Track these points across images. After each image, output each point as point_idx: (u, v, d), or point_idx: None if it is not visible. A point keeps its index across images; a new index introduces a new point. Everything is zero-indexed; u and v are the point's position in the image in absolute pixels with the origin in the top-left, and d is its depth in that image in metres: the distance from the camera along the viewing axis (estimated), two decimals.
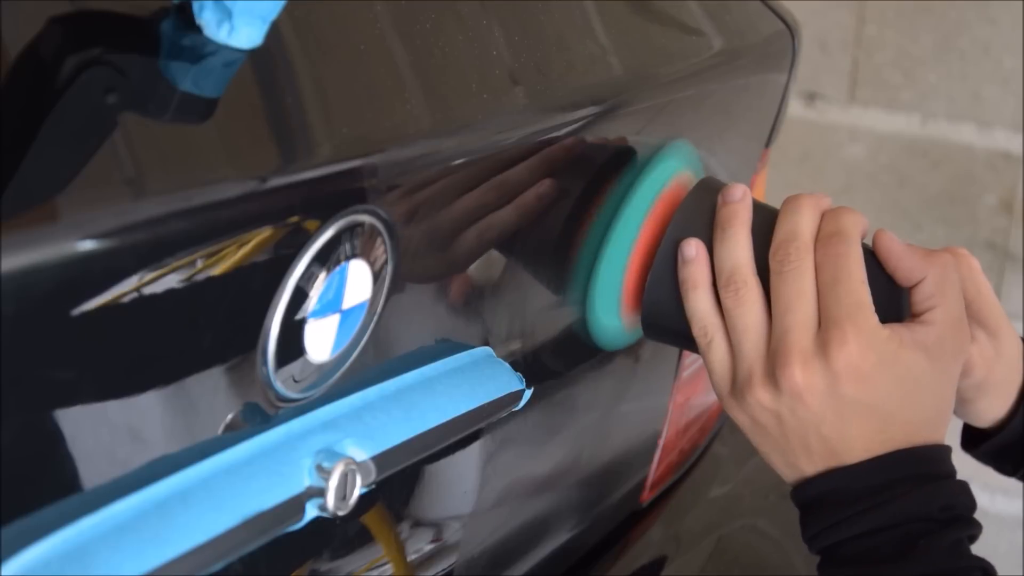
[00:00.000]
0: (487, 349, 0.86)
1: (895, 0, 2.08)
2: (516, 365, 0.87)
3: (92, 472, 0.62)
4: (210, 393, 0.68)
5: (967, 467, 0.89)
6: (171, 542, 0.63)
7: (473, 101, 0.80)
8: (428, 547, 0.92)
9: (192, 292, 0.63)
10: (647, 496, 1.22)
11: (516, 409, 0.87)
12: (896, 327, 0.86)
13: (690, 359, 1.19)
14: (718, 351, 0.88)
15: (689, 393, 1.21)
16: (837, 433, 0.85)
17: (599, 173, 0.92)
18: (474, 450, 0.92)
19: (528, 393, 0.86)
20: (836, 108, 2.14)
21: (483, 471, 0.94)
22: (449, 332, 0.84)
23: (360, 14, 0.76)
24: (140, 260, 0.61)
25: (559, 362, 0.99)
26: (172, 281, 0.62)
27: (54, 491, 0.61)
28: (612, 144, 0.93)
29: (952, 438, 0.91)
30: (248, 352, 0.68)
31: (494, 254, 0.87)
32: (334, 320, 0.72)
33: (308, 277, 0.69)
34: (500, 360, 0.86)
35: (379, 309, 0.75)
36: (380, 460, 0.74)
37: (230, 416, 0.69)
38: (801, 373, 0.84)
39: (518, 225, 0.86)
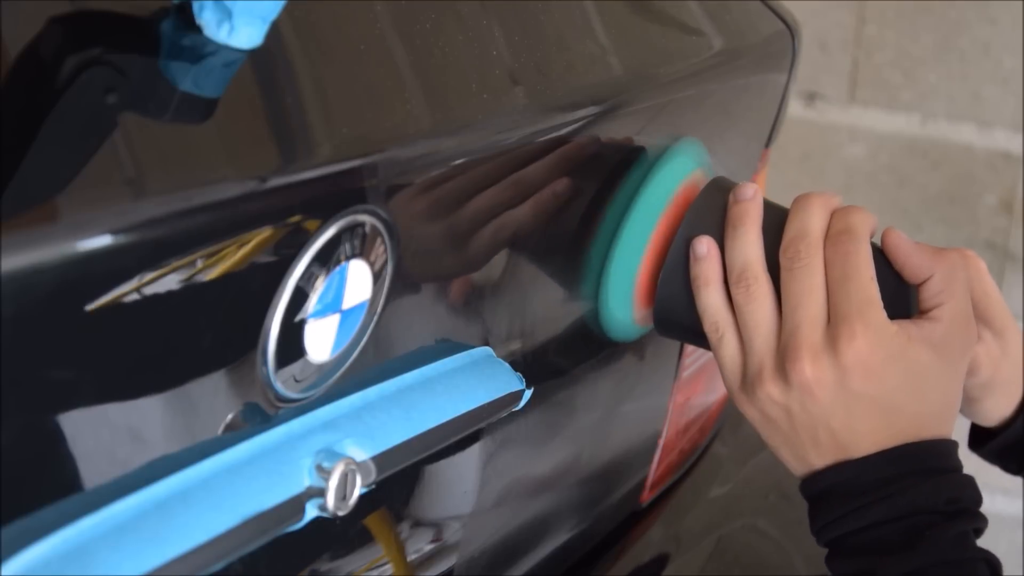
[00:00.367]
0: (487, 349, 0.86)
1: (895, 0, 2.08)
2: (516, 365, 0.87)
3: (92, 472, 0.62)
4: (210, 393, 0.68)
5: (968, 467, 0.90)
6: (171, 542, 0.63)
7: (473, 101, 0.80)
8: (428, 547, 0.92)
9: (192, 292, 0.63)
10: (647, 496, 1.22)
11: (516, 409, 0.87)
12: (904, 323, 0.87)
13: (690, 359, 1.18)
14: (729, 347, 0.90)
15: (689, 393, 1.21)
16: (846, 427, 0.86)
17: (612, 172, 0.93)
18: (474, 450, 0.92)
19: (528, 393, 0.86)
20: (836, 108, 2.14)
21: (483, 471, 0.94)
22: (449, 332, 0.84)
23: (360, 14, 0.76)
24: (140, 260, 0.61)
25: (559, 362, 0.99)
26: (172, 281, 0.62)
27: (54, 491, 0.61)
28: (625, 143, 0.94)
29: (958, 438, 0.92)
30: (248, 352, 0.68)
31: (494, 253, 0.87)
32: (334, 320, 0.72)
33: (308, 277, 0.69)
34: (500, 360, 0.86)
35: (379, 309, 0.75)
36: (380, 460, 0.74)
37: (230, 416, 0.69)
38: (811, 367, 0.86)
39: (534, 223, 0.87)
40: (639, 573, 1.16)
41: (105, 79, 0.62)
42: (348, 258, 0.71)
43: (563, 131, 0.87)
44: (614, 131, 0.93)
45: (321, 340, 0.71)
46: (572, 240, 0.93)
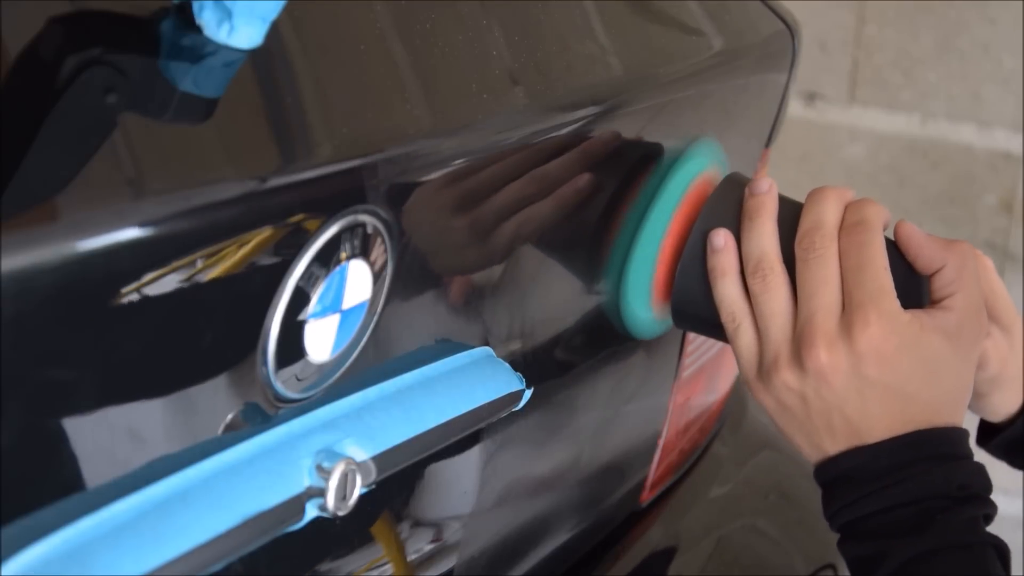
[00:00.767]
0: (487, 349, 0.86)
1: (895, 0, 2.08)
2: (516, 365, 0.87)
3: (92, 472, 0.62)
4: (210, 393, 0.68)
5: None
6: (171, 542, 0.63)
7: (473, 101, 0.80)
8: (428, 547, 0.92)
9: (192, 292, 0.63)
10: (647, 496, 1.22)
11: (516, 409, 0.87)
12: (917, 312, 0.89)
13: (690, 360, 1.19)
14: (745, 336, 0.91)
15: (689, 393, 1.21)
16: (860, 413, 0.88)
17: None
18: (474, 450, 0.92)
19: (528, 393, 0.86)
20: (836, 108, 2.14)
21: (483, 471, 0.94)
22: (449, 332, 0.84)
23: (360, 14, 0.76)
24: (140, 260, 0.61)
25: (559, 362, 0.99)
26: (172, 281, 0.62)
27: (54, 491, 0.61)
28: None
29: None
30: (248, 352, 0.68)
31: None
32: (334, 320, 0.72)
33: (308, 277, 0.69)
34: (500, 360, 0.86)
35: (379, 309, 0.75)
36: (380, 460, 0.74)
37: (230, 416, 0.69)
38: (826, 354, 0.87)
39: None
40: (639, 573, 1.16)
41: (105, 79, 0.62)
42: (348, 258, 0.71)
43: (563, 131, 0.87)
44: (618, 131, 0.93)
45: (321, 340, 0.71)
46: (590, 235, 0.94)
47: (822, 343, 0.87)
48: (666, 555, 1.21)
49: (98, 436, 0.63)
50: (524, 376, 0.86)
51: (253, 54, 0.66)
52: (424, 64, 0.78)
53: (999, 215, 2.10)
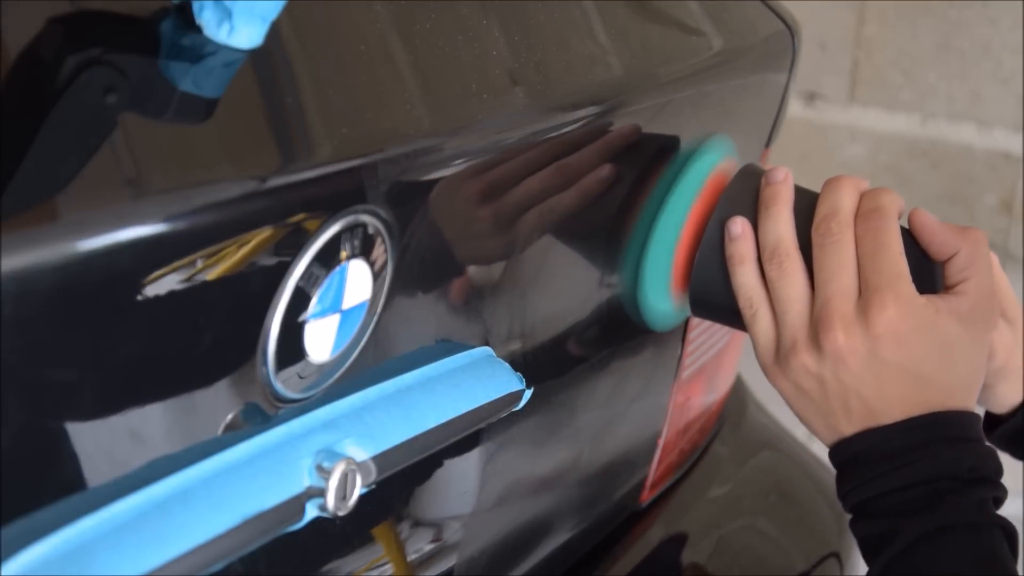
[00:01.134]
0: (487, 349, 0.86)
1: (895, 0, 2.08)
2: (516, 365, 0.87)
3: (92, 472, 0.62)
4: (210, 393, 0.68)
5: None
6: (171, 542, 0.63)
7: (473, 101, 0.80)
8: (428, 547, 0.92)
9: (192, 292, 0.63)
10: (647, 496, 1.22)
11: (516, 409, 0.87)
12: (932, 297, 0.91)
13: (690, 360, 1.19)
14: (763, 322, 0.93)
15: (689, 393, 1.21)
16: (876, 394, 0.90)
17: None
18: (474, 450, 0.92)
19: (528, 393, 0.86)
20: (836, 108, 2.14)
21: (483, 471, 0.94)
22: (449, 332, 0.84)
23: (360, 14, 0.76)
24: (140, 260, 0.61)
25: (559, 362, 0.99)
26: (172, 281, 0.62)
27: (54, 491, 0.61)
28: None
29: None
30: (248, 352, 0.68)
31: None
32: (334, 320, 0.72)
33: (308, 277, 0.69)
34: (500, 360, 0.86)
35: (379, 309, 0.75)
36: (380, 460, 0.74)
37: (230, 416, 0.69)
38: (844, 336, 0.89)
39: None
40: (639, 573, 1.16)
41: (105, 79, 0.62)
42: (348, 258, 0.71)
43: (563, 131, 0.87)
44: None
45: (321, 340, 0.71)
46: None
47: (840, 325, 0.89)
48: (666, 555, 1.21)
49: (98, 436, 0.63)
50: (524, 376, 0.86)
51: (253, 54, 0.66)
52: (424, 64, 0.78)
53: (999, 215, 2.10)
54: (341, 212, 0.70)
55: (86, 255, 0.58)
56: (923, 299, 0.90)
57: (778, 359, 0.93)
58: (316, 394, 0.73)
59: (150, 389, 0.65)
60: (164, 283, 0.62)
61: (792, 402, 0.93)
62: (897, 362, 0.89)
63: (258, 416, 0.70)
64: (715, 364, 1.26)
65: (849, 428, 0.91)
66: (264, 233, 0.66)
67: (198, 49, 0.65)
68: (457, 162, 0.79)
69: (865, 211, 0.92)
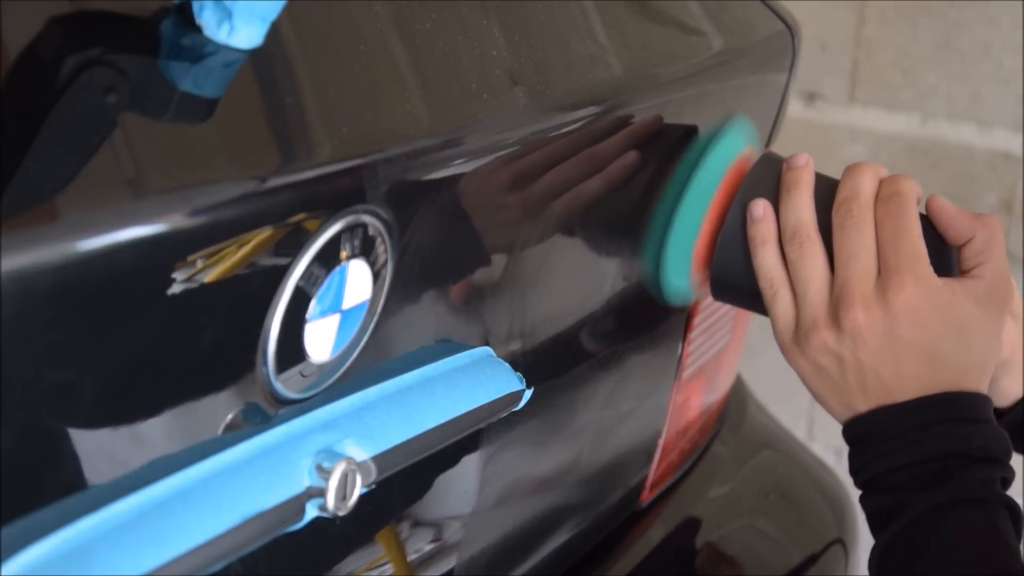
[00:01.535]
0: (487, 349, 0.86)
1: (895, 0, 2.08)
2: (516, 365, 0.87)
3: (92, 472, 0.62)
4: (210, 393, 0.68)
5: None
6: (171, 542, 0.63)
7: (473, 101, 0.80)
8: (428, 547, 0.92)
9: (192, 292, 0.63)
10: (647, 496, 1.22)
11: (516, 409, 0.87)
12: (949, 280, 0.93)
13: (690, 359, 1.19)
14: (783, 302, 0.95)
15: (689, 393, 1.21)
16: (893, 372, 0.92)
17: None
18: (474, 450, 0.92)
19: (528, 393, 0.86)
20: (836, 108, 2.14)
21: (483, 471, 0.94)
22: (449, 332, 0.84)
23: (360, 14, 0.76)
24: (140, 260, 0.61)
25: (559, 362, 0.99)
26: (172, 281, 0.62)
27: (54, 491, 0.61)
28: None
29: None
30: (248, 352, 0.68)
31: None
32: (334, 320, 0.72)
33: (308, 277, 0.69)
34: (500, 360, 0.86)
35: (379, 309, 0.75)
36: (380, 460, 0.74)
37: (230, 416, 0.69)
38: (863, 314, 0.91)
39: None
40: (639, 573, 1.16)
41: (105, 79, 0.62)
42: (348, 258, 0.71)
43: (563, 131, 0.87)
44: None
45: (321, 340, 0.71)
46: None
47: (859, 304, 0.91)
48: (666, 555, 1.21)
49: (98, 436, 0.63)
50: (524, 376, 0.86)
51: (253, 54, 0.66)
52: (424, 64, 0.78)
53: (999, 215, 2.10)
54: (341, 212, 0.70)
55: (86, 255, 0.58)
56: (941, 281, 0.92)
57: (797, 338, 0.95)
58: (316, 394, 0.73)
59: (150, 389, 0.65)
60: (164, 283, 0.62)
61: (809, 381, 0.95)
62: (914, 341, 0.91)
63: (258, 416, 0.70)
64: (715, 364, 1.26)
65: (864, 405, 0.93)
66: (264, 233, 0.66)
67: (198, 49, 0.65)
68: (457, 162, 0.79)
69: (885, 195, 0.94)
